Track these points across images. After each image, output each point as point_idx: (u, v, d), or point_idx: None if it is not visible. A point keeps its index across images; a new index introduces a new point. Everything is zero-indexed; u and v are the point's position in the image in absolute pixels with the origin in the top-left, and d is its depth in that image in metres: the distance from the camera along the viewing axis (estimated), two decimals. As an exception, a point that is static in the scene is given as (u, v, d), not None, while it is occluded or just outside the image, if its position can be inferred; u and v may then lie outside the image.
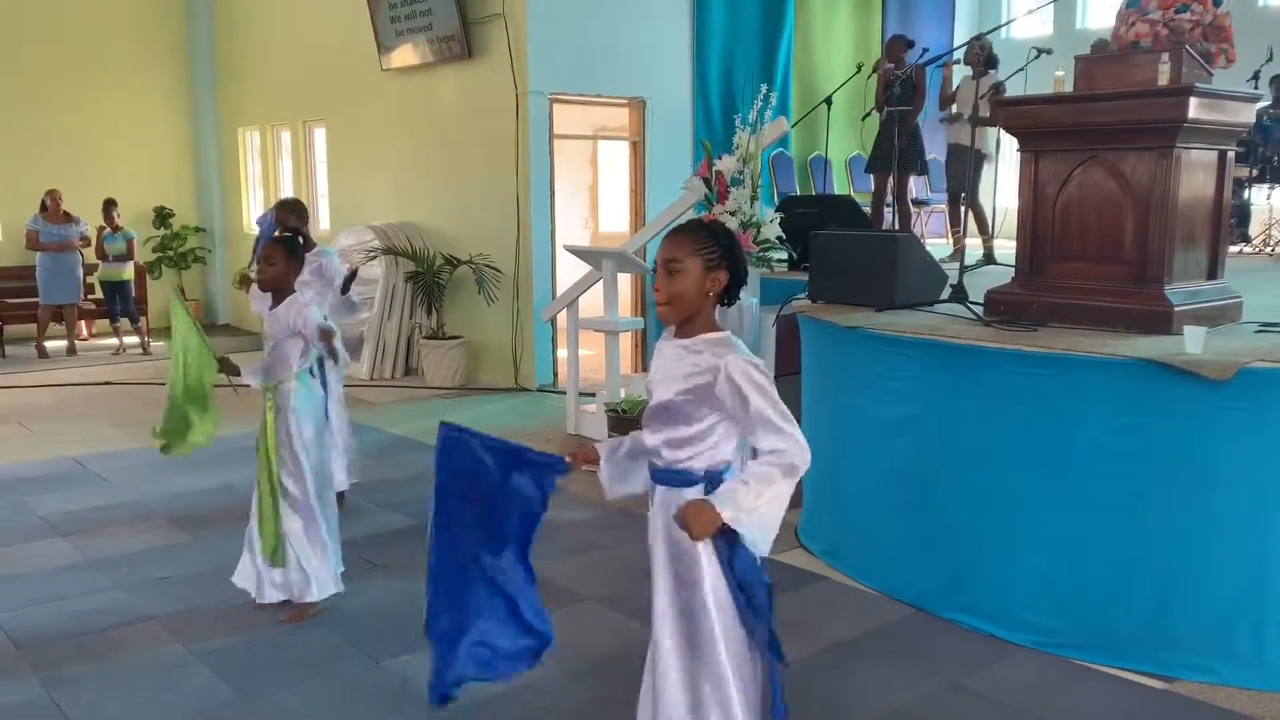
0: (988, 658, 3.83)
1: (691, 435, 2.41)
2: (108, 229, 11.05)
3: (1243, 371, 3.47)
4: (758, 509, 2.30)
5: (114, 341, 11.29)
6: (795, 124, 9.42)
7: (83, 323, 12.05)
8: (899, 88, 7.61)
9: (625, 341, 9.01)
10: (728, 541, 2.38)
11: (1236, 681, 3.58)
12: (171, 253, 13.04)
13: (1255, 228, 8.97)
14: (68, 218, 10.94)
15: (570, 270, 8.21)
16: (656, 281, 2.44)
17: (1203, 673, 3.63)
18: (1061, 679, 3.68)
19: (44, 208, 10.92)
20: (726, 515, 2.28)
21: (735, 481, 2.34)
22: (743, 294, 5.82)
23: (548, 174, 8.91)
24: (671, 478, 2.47)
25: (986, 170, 8.38)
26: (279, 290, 4.20)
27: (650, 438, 2.48)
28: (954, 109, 8.31)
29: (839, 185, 10.76)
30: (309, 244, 5.42)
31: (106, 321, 11.52)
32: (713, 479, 2.43)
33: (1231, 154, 4.38)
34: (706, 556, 2.42)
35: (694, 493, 2.43)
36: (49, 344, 11.08)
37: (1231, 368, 3.48)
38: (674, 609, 2.49)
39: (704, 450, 2.42)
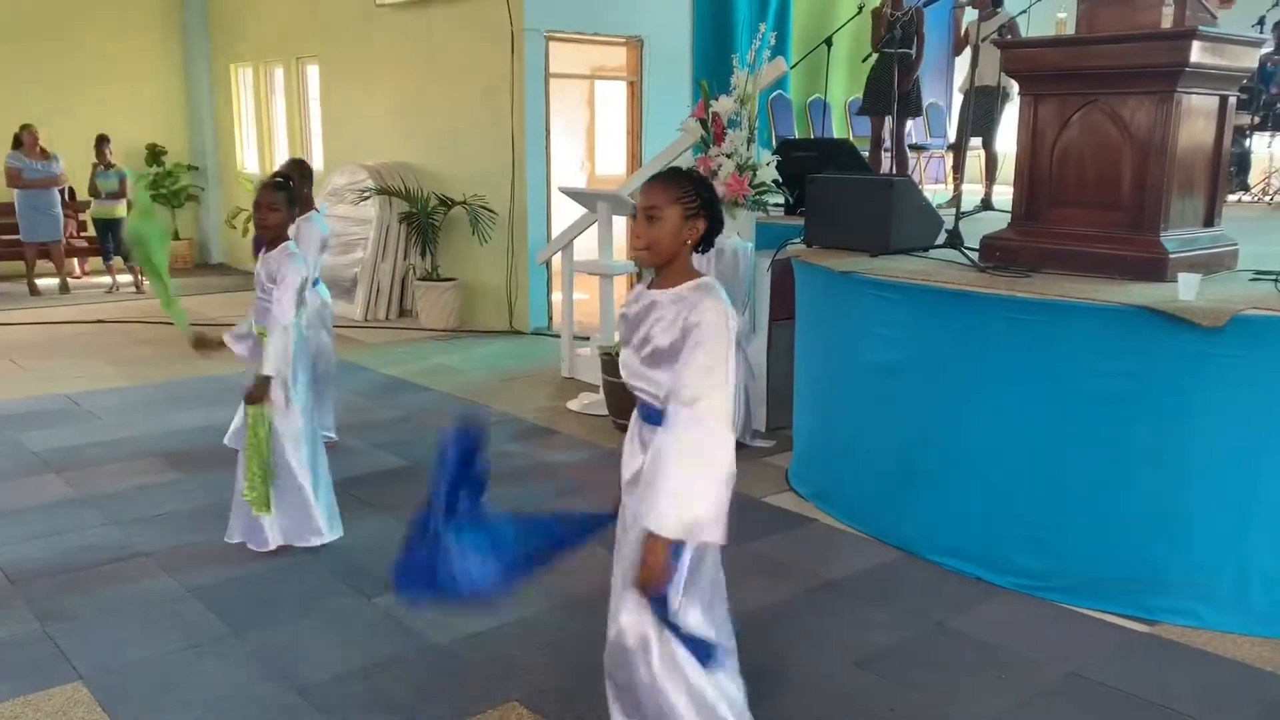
0: (973, 600, 3.88)
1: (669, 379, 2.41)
2: (100, 166, 10.93)
3: (1235, 319, 3.47)
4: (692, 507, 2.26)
5: (107, 280, 11.25)
6: (794, 65, 9.28)
7: (76, 261, 11.99)
8: (900, 29, 7.50)
9: (620, 285, 8.97)
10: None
11: (1218, 625, 3.63)
12: (164, 190, 12.92)
13: (1255, 176, 8.90)
14: (45, 154, 10.77)
15: (566, 212, 8.16)
16: (636, 227, 2.46)
17: (1185, 616, 3.67)
18: (1045, 621, 3.72)
19: (17, 143, 10.69)
20: (666, 532, 2.25)
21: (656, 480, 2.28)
22: (738, 238, 5.80)
23: (543, 114, 8.81)
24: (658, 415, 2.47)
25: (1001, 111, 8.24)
26: (278, 237, 4.18)
27: (644, 385, 2.47)
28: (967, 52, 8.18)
29: (838, 129, 10.64)
30: (309, 204, 5.40)
31: (100, 260, 11.47)
32: None
33: (1233, 100, 4.33)
34: None
35: None
36: (41, 282, 11.03)
37: (1224, 315, 3.47)
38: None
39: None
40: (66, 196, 11.70)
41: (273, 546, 4.21)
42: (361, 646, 3.49)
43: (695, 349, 2.32)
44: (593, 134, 11.02)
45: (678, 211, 2.39)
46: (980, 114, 7.78)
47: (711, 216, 2.45)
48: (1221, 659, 3.45)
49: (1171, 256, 4.03)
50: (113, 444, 5.73)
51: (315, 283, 5.37)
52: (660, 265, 2.46)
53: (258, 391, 4.07)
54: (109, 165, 10.94)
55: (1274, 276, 3.98)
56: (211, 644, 3.50)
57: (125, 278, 11.32)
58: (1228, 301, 3.61)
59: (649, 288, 2.50)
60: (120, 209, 11.07)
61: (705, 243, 2.47)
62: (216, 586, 3.94)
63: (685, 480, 2.26)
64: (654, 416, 2.50)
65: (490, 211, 8.96)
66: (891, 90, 7.58)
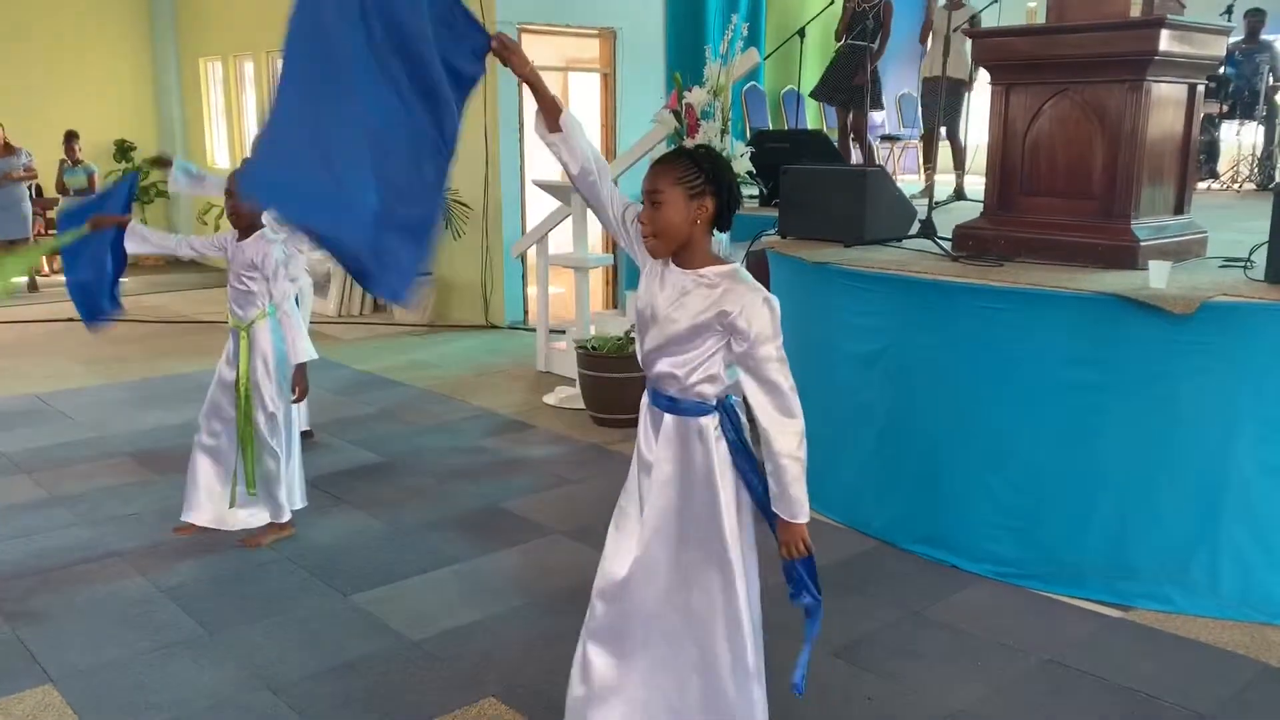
0: (949, 588, 3.90)
1: (696, 356, 2.40)
2: (68, 162, 10.79)
3: (1205, 306, 3.50)
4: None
5: (77, 278, 11.10)
6: (768, 56, 9.30)
7: (45, 258, 11.82)
8: (872, 21, 7.51)
9: (595, 278, 8.97)
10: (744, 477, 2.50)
11: (1191, 609, 3.66)
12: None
13: (1224, 164, 8.99)
14: (9, 149, 10.58)
15: (540, 206, 8.12)
16: (642, 214, 2.41)
17: (1158, 601, 3.70)
18: (1020, 608, 3.75)
19: None
20: (803, 519, 2.45)
21: (783, 484, 2.42)
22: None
23: (516, 107, 8.76)
24: (689, 407, 2.44)
25: (965, 103, 8.28)
26: (251, 225, 4.15)
27: (662, 365, 2.44)
28: (931, 42, 8.21)
29: (812, 120, 10.66)
30: None
31: (68, 257, 11.32)
32: (723, 405, 2.45)
33: (1201, 88, 4.36)
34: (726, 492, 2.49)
35: (709, 420, 2.44)
36: (10, 280, 10.88)
37: (1194, 302, 3.50)
38: (677, 559, 2.51)
39: (706, 369, 2.41)
40: (34, 194, 11.55)
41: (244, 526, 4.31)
42: (336, 644, 3.46)
43: (767, 363, 2.33)
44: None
45: (680, 193, 2.33)
46: (947, 105, 7.82)
47: (720, 191, 2.36)
48: (1194, 643, 3.48)
49: (1142, 244, 4.05)
50: (83, 443, 5.66)
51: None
52: (673, 252, 2.40)
53: (300, 381, 4.19)
54: (77, 161, 10.81)
55: (1243, 263, 4.01)
56: (184, 644, 3.46)
57: (95, 275, 11.17)
58: (1198, 289, 3.63)
59: (672, 265, 2.43)
60: (89, 206, 10.93)
61: (721, 220, 2.39)
62: (189, 586, 3.90)
63: (799, 480, 2.41)
64: (664, 402, 2.48)
65: (464, 206, 8.91)
66: (849, 81, 7.58)
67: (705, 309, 2.35)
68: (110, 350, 8.00)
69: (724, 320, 2.33)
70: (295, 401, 4.25)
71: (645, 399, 2.56)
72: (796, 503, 2.41)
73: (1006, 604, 3.78)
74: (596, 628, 2.60)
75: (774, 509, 2.44)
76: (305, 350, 4.19)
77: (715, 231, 2.42)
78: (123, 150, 12.69)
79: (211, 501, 4.29)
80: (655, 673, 2.57)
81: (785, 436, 2.36)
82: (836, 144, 8.17)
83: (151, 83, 13.14)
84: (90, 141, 11.50)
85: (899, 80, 10.78)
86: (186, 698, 3.13)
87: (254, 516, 4.33)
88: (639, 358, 2.54)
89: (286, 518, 4.31)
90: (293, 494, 4.37)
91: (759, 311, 2.32)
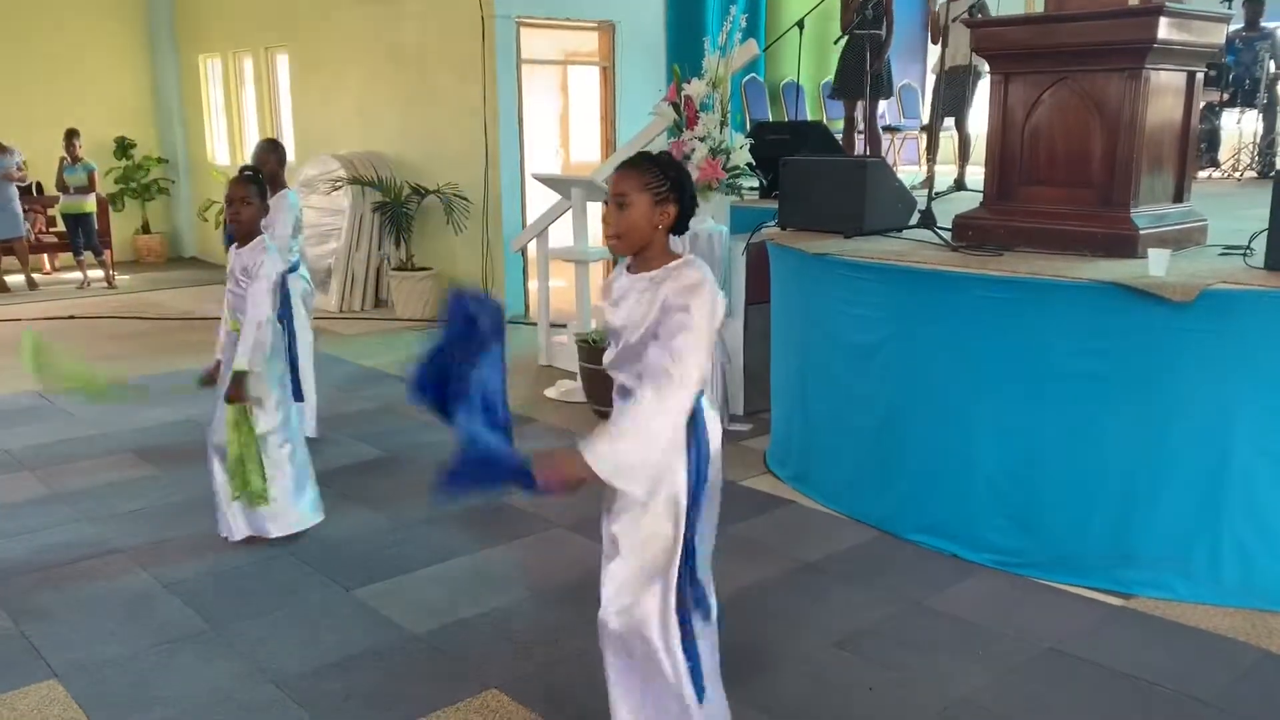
0: (950, 578, 3.90)
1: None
2: (68, 160, 10.80)
3: (1205, 294, 3.49)
4: (616, 450, 2.27)
5: (78, 275, 11.12)
6: (767, 48, 9.27)
7: (45, 257, 11.86)
8: (870, 11, 7.49)
9: (596, 271, 8.94)
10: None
11: (1192, 597, 3.67)
12: (134, 184, 12.79)
13: (1225, 152, 8.97)
14: (1, 150, 10.60)
15: (541, 199, 8.12)
16: (606, 215, 2.44)
17: (1160, 589, 3.70)
18: (1021, 597, 3.75)
19: None
20: (596, 465, 2.26)
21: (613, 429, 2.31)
22: (712, 222, 5.79)
23: (516, 101, 8.76)
24: None
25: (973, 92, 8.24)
26: (252, 233, 4.13)
27: (628, 378, 2.45)
28: (942, 37, 8.18)
29: (811, 111, 10.64)
30: (280, 184, 5.35)
31: (70, 255, 11.32)
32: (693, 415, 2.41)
33: (1200, 76, 4.35)
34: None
35: None
36: (9, 279, 10.89)
37: (1194, 290, 3.49)
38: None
39: None
40: (34, 191, 11.56)
41: (277, 535, 4.23)
42: (340, 639, 3.47)
43: (677, 333, 2.28)
44: (566, 120, 10.96)
45: (646, 198, 2.37)
46: (953, 95, 7.80)
47: (683, 199, 2.41)
48: (1195, 630, 3.49)
49: (1142, 233, 4.05)
50: (86, 440, 5.67)
51: (295, 266, 5.34)
52: (634, 253, 2.44)
53: (235, 388, 4.03)
54: (76, 159, 10.80)
55: (1243, 251, 4.01)
56: (188, 639, 3.47)
57: (96, 273, 11.20)
58: (1197, 276, 3.63)
59: (627, 271, 2.47)
60: (89, 203, 10.94)
61: (679, 225, 2.44)
62: (192, 581, 3.91)
63: (629, 434, 2.28)
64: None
65: (464, 200, 8.91)
66: (862, 73, 7.56)
67: (647, 309, 2.35)
68: (112, 348, 8.02)
69: (664, 308, 2.32)
70: (229, 400, 4.06)
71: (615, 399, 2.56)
72: (603, 457, 2.26)
73: (1008, 593, 3.78)
74: None
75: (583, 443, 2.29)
76: (245, 358, 3.99)
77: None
78: (123, 147, 12.69)
79: (242, 514, 4.24)
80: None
81: (650, 413, 2.27)
82: (842, 137, 8.16)
83: (151, 80, 13.14)
84: (91, 138, 11.49)
85: (900, 72, 10.75)
86: (190, 692, 3.14)
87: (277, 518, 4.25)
88: (606, 367, 2.54)
89: (276, 534, 4.24)
90: (290, 516, 4.27)
91: (691, 289, 2.30)
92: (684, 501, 2.41)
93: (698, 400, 2.42)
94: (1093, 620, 3.58)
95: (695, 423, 2.41)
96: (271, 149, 5.53)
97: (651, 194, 2.37)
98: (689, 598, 2.47)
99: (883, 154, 8.37)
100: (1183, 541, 3.69)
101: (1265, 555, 3.62)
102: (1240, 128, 8.91)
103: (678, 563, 2.43)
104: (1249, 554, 3.63)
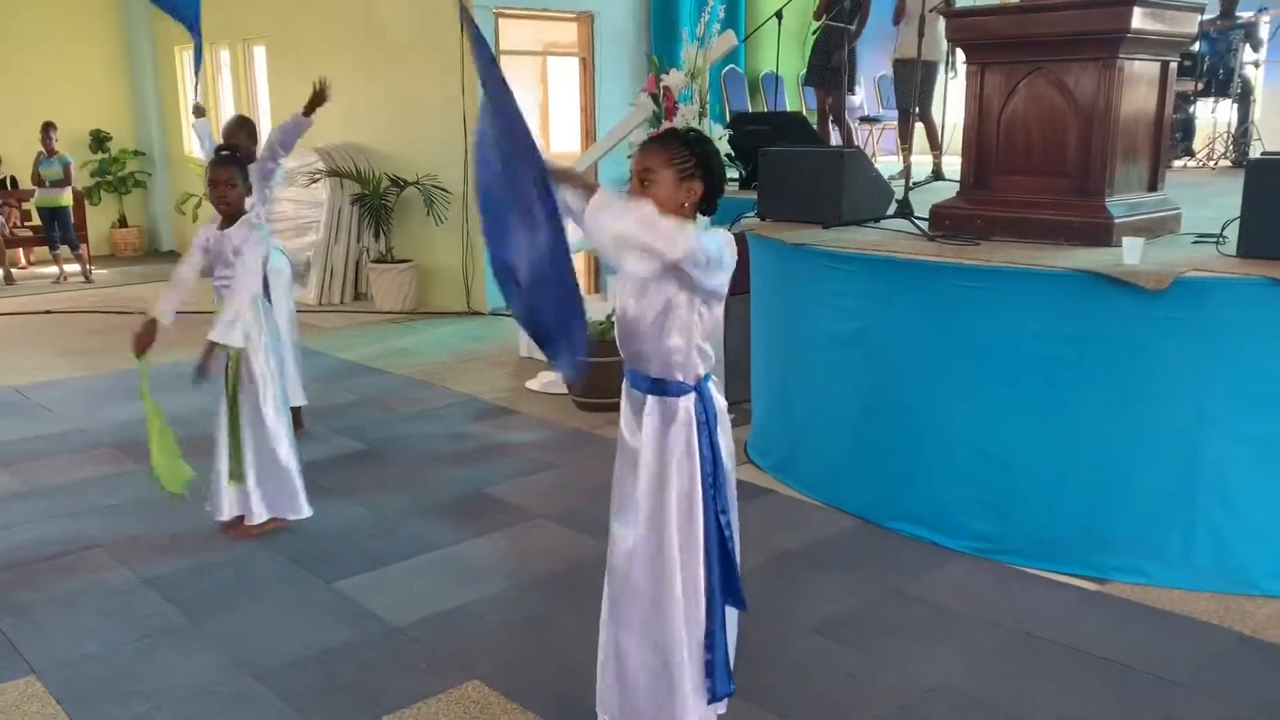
0: (928, 565, 3.93)
1: (676, 330, 2.39)
2: (43, 153, 10.69)
3: (1178, 281, 3.53)
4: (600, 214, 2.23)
5: (54, 270, 11.03)
6: (746, 39, 9.29)
7: (21, 251, 11.75)
8: (849, 2, 7.51)
9: (578, 262, 8.93)
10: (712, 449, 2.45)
11: (1166, 581, 3.71)
12: (110, 177, 12.68)
13: (1199, 141, 9.03)
14: None
15: (520, 191, 8.09)
16: (632, 192, 2.42)
17: (1134, 574, 3.75)
18: (998, 583, 3.79)
19: None
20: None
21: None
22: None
23: (495, 92, 8.71)
24: (670, 387, 2.46)
25: (938, 84, 8.30)
26: (237, 213, 4.11)
27: (640, 346, 2.46)
28: (904, 23, 8.21)
29: (791, 102, 10.65)
30: (252, 161, 5.31)
31: (46, 249, 11.23)
32: (700, 388, 2.47)
33: (1174, 65, 4.39)
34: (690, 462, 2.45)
35: (687, 401, 2.45)
36: (-14, 273, 10.80)
37: (1167, 278, 3.53)
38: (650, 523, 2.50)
39: (689, 344, 2.40)
40: (9, 185, 11.45)
41: (260, 519, 4.22)
42: (321, 631, 3.47)
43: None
44: (546, 111, 10.93)
45: (671, 174, 2.35)
46: (901, 90, 7.84)
47: (710, 176, 2.39)
48: (1168, 614, 3.53)
49: (1116, 221, 4.08)
50: (62, 436, 5.64)
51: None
52: None
53: (205, 359, 3.94)
54: (52, 152, 10.70)
55: (1216, 239, 4.04)
56: (168, 634, 3.46)
57: (73, 267, 11.11)
58: (1171, 264, 3.67)
59: None
60: (65, 197, 10.84)
61: (707, 204, 2.42)
62: (171, 576, 3.90)
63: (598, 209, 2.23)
64: (643, 383, 2.50)
65: (444, 191, 8.89)
66: (826, 62, 7.58)
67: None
68: (89, 342, 7.96)
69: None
70: (199, 373, 3.98)
71: (625, 384, 2.57)
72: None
73: (985, 579, 3.82)
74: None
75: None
76: (224, 335, 3.93)
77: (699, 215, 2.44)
78: (99, 140, 12.58)
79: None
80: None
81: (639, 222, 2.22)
82: (816, 127, 8.18)
83: (127, 72, 13.02)
84: (65, 132, 11.39)
85: (877, 62, 10.78)
86: (170, 686, 3.14)
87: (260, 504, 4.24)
88: (618, 341, 2.55)
89: (263, 518, 4.23)
90: (300, 496, 4.30)
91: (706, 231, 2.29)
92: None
93: (706, 377, 2.48)
94: (1068, 605, 3.61)
95: (702, 395, 2.46)
96: (240, 125, 5.49)
97: (676, 170, 2.35)
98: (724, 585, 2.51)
99: (855, 144, 8.38)
100: (1157, 526, 3.73)
101: (1238, 539, 3.67)
102: (1215, 117, 8.97)
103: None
104: (1222, 538, 3.68)
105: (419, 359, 7.38)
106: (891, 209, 4.97)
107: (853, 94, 8.89)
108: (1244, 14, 8.86)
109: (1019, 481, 3.90)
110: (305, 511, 4.29)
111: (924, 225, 4.58)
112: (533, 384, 6.55)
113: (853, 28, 7.81)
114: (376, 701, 3.05)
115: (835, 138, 8.28)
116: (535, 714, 2.97)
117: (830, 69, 7.60)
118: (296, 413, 5.23)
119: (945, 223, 4.49)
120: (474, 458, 5.24)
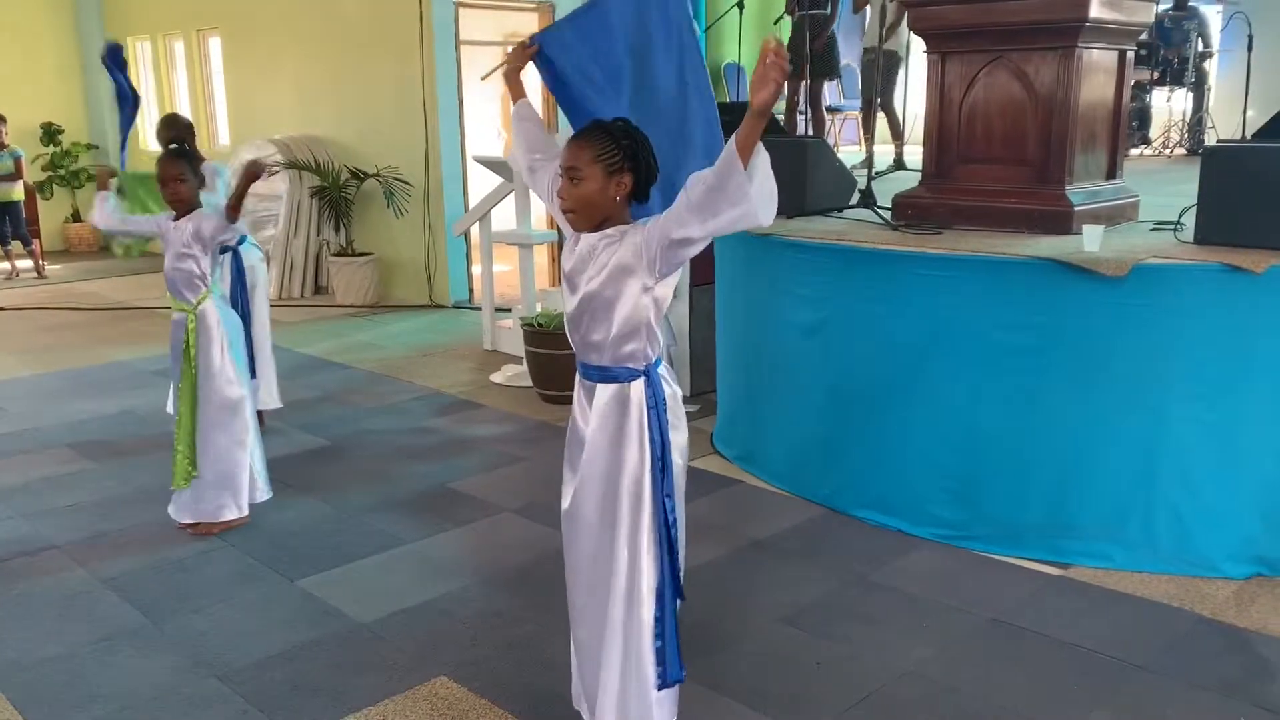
0: (894, 552, 3.95)
1: (618, 317, 2.38)
2: (-8, 147, 10.45)
3: (1137, 268, 3.57)
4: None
5: (6, 266, 10.80)
6: (708, 29, 9.27)
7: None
8: (824, -11, 7.51)
9: (541, 255, 8.91)
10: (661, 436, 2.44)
11: (1128, 565, 3.76)
12: (63, 171, 12.44)
13: (1155, 130, 9.16)
14: None
15: (483, 182, 8.04)
16: (560, 189, 2.40)
17: (1096, 558, 3.79)
18: (963, 569, 3.82)
19: None
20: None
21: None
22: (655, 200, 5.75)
23: (455, 82, 8.65)
24: (620, 374, 2.44)
25: (900, 74, 8.34)
26: (190, 207, 4.06)
27: (590, 335, 2.44)
28: (867, 11, 8.23)
29: (753, 92, 10.65)
30: (199, 158, 5.23)
31: (-4, 245, 10.99)
32: (648, 373, 2.45)
33: (1131, 54, 4.43)
34: (640, 448, 2.44)
35: (638, 386, 2.43)
36: (-65, 270, 10.55)
37: (1127, 265, 3.56)
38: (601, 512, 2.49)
39: (638, 329, 2.39)
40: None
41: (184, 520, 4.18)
42: (285, 630, 3.43)
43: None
44: (508, 101, 10.85)
45: (599, 170, 2.32)
46: (868, 79, 7.86)
47: (638, 166, 2.36)
48: (1130, 597, 3.58)
49: (1076, 209, 4.12)
50: (18, 435, 5.52)
51: (243, 240, 5.26)
52: (594, 227, 2.39)
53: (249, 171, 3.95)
54: (2, 146, 10.46)
55: (1173, 226, 4.09)
56: (128, 635, 3.40)
57: (25, 263, 10.88)
58: (1130, 251, 3.71)
59: (582, 236, 2.43)
60: (16, 191, 10.60)
61: (639, 193, 2.40)
62: (131, 576, 3.83)
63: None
64: (594, 374, 2.47)
65: (405, 183, 8.80)
66: (804, 52, 7.59)
67: (615, 255, 2.35)
68: (44, 339, 7.81)
69: (634, 248, 2.32)
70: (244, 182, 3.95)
71: (577, 374, 2.55)
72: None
73: (950, 566, 3.84)
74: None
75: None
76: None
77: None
78: (49, 133, 12.32)
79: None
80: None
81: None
82: (784, 118, 8.18)
83: (78, 63, 12.75)
84: (15, 124, 11.13)
85: (841, 52, 10.81)
86: (131, 688, 3.08)
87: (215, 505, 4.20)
88: (567, 332, 2.53)
89: (245, 513, 4.23)
90: (255, 485, 4.29)
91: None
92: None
93: (656, 363, 2.46)
94: (1033, 590, 3.65)
95: (651, 382, 2.44)
96: (170, 125, 5.38)
97: (604, 165, 2.33)
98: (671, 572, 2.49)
99: (825, 135, 8.39)
100: (1119, 511, 3.78)
101: (1197, 522, 3.72)
102: (1170, 106, 9.09)
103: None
104: (1182, 521, 3.73)
105: (381, 353, 7.32)
106: (854, 199, 4.99)
107: (834, 79, 8.89)
108: (1198, 4, 8.99)
109: (983, 468, 3.93)
110: (262, 497, 4.29)
111: (887, 215, 4.60)
112: (497, 377, 6.51)
113: (826, 13, 7.82)
114: (343, 700, 3.01)
115: (801, 128, 8.28)
116: (504, 709, 2.95)
117: (812, 55, 7.60)
118: (260, 413, 5.18)
119: (908, 212, 4.51)
120: (438, 452, 5.20)
